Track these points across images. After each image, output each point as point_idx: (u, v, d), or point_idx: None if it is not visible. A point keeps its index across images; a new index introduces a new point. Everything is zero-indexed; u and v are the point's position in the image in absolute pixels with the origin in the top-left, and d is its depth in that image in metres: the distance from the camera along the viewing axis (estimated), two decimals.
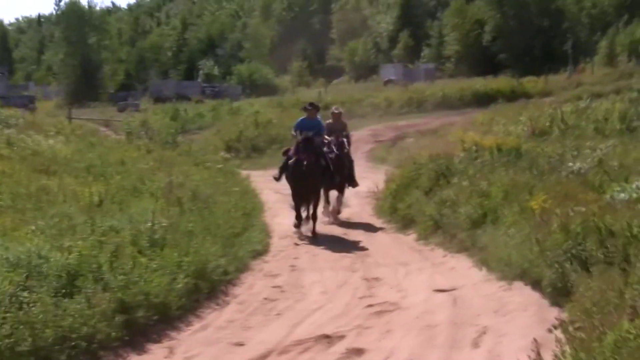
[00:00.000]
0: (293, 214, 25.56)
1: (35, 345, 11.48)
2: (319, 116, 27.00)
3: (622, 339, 9.59)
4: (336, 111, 29.83)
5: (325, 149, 26.32)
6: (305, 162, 22.91)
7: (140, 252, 16.15)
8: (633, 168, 23.97)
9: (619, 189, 20.17)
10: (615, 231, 14.96)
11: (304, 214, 23.85)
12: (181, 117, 60.88)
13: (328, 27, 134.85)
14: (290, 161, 23.98)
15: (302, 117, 26.69)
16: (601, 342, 9.78)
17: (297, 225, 23.83)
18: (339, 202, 27.31)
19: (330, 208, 27.60)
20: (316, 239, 23.31)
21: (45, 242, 14.95)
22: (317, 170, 23.55)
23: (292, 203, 25.08)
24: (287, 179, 24.53)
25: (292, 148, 25.06)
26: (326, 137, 27.10)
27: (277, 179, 25.49)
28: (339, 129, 27.90)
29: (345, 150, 27.60)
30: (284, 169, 25.02)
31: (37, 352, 11.49)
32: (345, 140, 27.52)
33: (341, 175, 26.51)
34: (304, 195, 23.66)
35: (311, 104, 26.81)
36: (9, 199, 19.12)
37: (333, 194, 28.51)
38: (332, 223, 26.98)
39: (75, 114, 67.84)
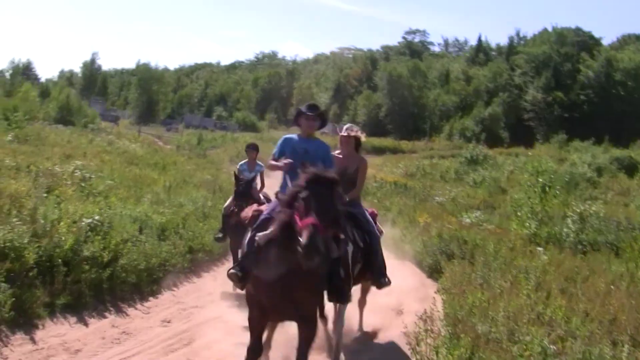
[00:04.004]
0: None
1: (147, 266, 11.89)
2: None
3: (478, 300, 10.17)
4: (344, 133, 10.07)
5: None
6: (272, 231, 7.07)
7: (197, 219, 16.49)
8: (472, 204, 24.73)
9: (465, 215, 20.85)
10: (467, 240, 15.64)
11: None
12: (203, 139, 60.63)
13: (290, 95, 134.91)
14: (259, 236, 7.23)
15: (293, 135, 8.67)
16: (465, 301, 10.28)
17: None
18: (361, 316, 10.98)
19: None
20: None
21: (149, 208, 15.28)
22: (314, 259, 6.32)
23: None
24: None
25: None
26: None
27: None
28: (348, 172, 9.90)
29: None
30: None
31: (148, 270, 11.91)
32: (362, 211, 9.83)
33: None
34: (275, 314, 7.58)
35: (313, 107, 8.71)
36: (118, 180, 19.24)
37: None
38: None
39: (142, 130, 67.65)
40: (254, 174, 13.88)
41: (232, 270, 7.66)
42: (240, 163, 14.65)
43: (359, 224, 9.38)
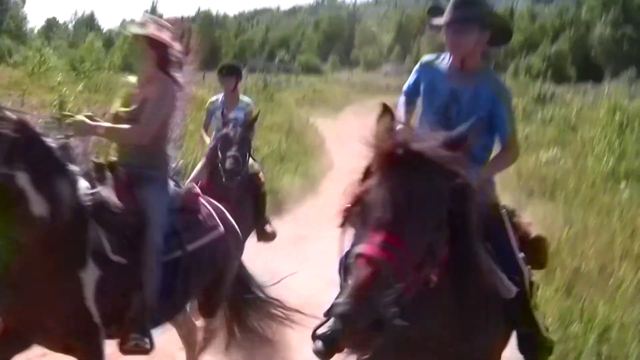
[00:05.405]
0: None
1: None
2: None
3: (565, 236, 10.09)
4: (133, 31, 4.94)
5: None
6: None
7: (274, 161, 16.46)
8: (543, 142, 24.09)
9: (541, 153, 20.42)
10: (546, 177, 15.40)
11: None
12: (269, 83, 61.23)
13: (352, 37, 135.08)
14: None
15: (439, 61, 4.33)
16: (552, 236, 10.15)
17: None
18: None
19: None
20: None
21: None
22: None
23: None
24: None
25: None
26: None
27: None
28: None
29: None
30: None
31: None
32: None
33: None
34: None
35: None
36: (195, 125, 19.26)
37: None
38: None
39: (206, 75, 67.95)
40: (241, 115, 7.94)
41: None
42: (211, 99, 8.74)
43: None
